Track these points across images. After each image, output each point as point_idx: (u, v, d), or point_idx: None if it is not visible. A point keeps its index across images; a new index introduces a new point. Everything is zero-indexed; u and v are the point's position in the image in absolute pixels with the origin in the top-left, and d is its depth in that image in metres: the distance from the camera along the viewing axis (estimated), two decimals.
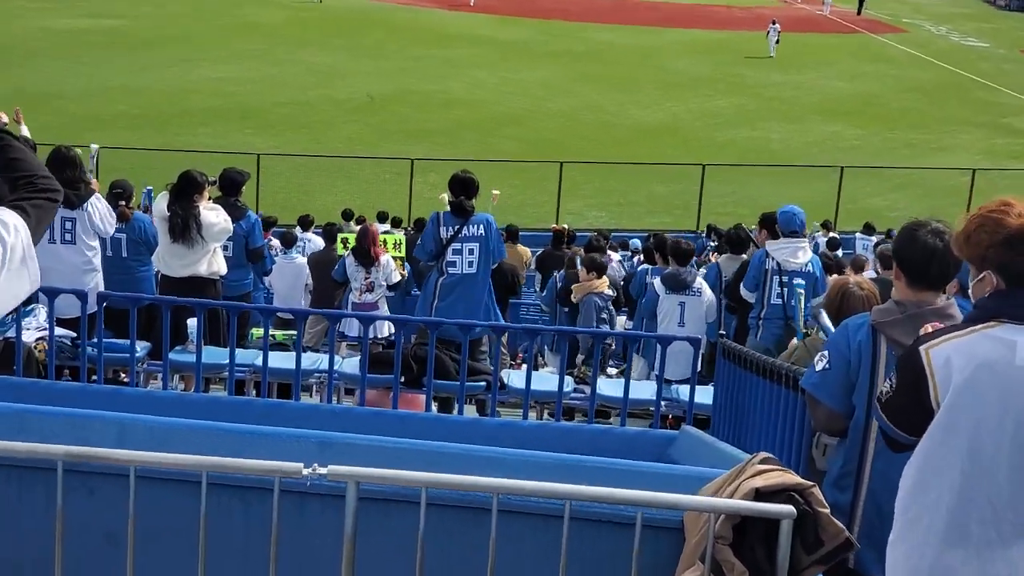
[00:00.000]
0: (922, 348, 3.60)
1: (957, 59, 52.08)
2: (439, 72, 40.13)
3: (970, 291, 3.84)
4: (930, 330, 3.77)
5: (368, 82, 37.55)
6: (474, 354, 9.26)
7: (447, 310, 9.59)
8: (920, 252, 4.28)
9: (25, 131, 11.80)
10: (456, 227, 9.72)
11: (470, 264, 9.80)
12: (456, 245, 9.77)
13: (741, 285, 9.64)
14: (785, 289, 9.22)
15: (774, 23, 48.68)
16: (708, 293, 10.86)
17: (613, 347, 12.38)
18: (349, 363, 8.81)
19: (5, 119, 12.11)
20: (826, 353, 4.49)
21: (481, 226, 9.80)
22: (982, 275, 3.67)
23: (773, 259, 9.50)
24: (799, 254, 9.66)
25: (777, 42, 47.32)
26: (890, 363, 4.30)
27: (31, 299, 7.63)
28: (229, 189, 10.77)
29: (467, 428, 6.36)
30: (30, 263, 3.35)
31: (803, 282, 8.92)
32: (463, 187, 9.87)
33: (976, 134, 35.72)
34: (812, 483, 3.94)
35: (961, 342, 3.57)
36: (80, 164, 9.55)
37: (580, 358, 10.99)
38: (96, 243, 9.05)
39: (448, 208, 9.89)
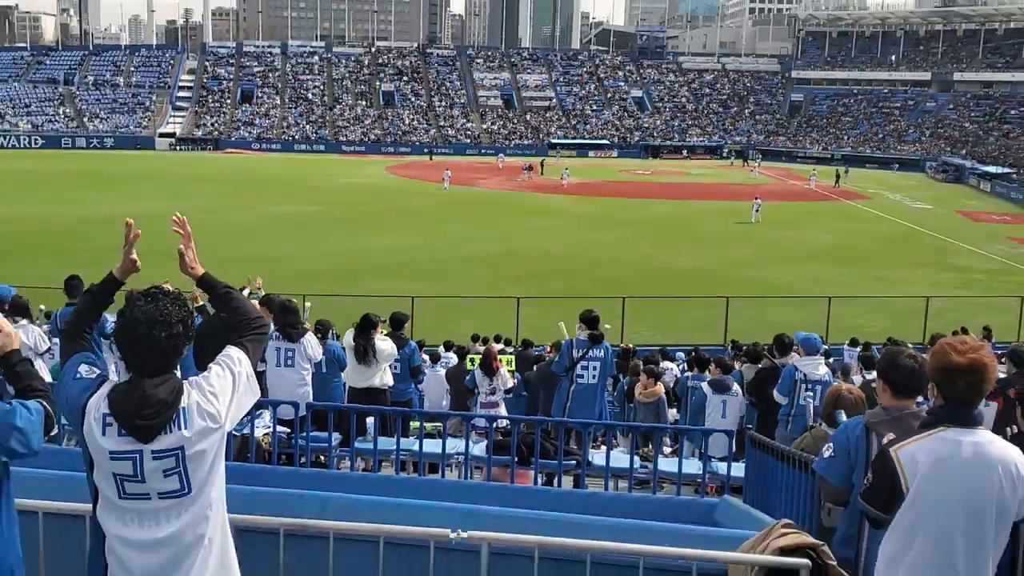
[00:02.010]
0: (891, 450, 3.58)
1: (910, 217, 51.45)
2: (538, 236, 40.61)
3: (929, 394, 3.81)
4: (892, 437, 3.73)
5: (486, 244, 38.20)
6: (577, 442, 9.36)
7: (576, 410, 9.91)
8: (901, 372, 4.23)
9: (259, 283, 12.48)
10: (584, 350, 10.02)
11: (593, 377, 10.07)
12: (584, 363, 10.05)
13: (775, 391, 9.43)
14: (809, 394, 9.09)
15: (757, 199, 48.15)
16: (740, 395, 10.81)
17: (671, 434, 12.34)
18: (478, 448, 8.79)
19: (260, 283, 12.66)
20: (831, 444, 4.45)
21: (603, 350, 10.16)
22: (930, 386, 3.67)
23: (801, 372, 9.36)
24: (820, 368, 9.55)
25: (758, 211, 46.69)
26: (871, 452, 4.24)
27: (259, 406, 7.77)
28: (396, 326, 11.00)
29: (566, 498, 6.29)
30: (252, 383, 3.41)
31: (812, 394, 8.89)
32: (594, 322, 10.21)
33: (927, 270, 35.18)
34: (822, 543, 3.86)
35: (921, 444, 3.55)
36: (297, 311, 9.81)
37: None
38: (309, 367, 9.21)
39: (579, 336, 10.14)
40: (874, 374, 13.62)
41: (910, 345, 11.67)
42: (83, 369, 3.30)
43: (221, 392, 3.23)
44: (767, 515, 4.67)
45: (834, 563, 3.70)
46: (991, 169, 70.21)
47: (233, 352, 3.39)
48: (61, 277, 10.98)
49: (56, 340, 10.21)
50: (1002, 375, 8.58)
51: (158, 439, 3.10)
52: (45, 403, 3.39)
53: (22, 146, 79.70)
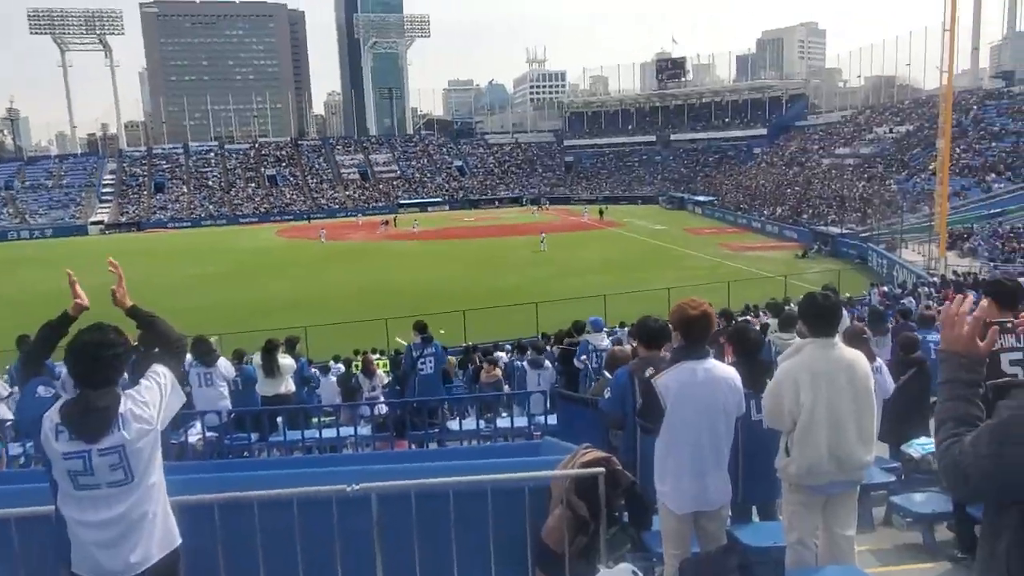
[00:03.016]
0: (653, 380, 3.73)
1: (654, 236, 54.06)
2: (399, 271, 40.19)
3: (674, 340, 4.01)
4: (652, 372, 3.92)
5: (357, 280, 37.42)
6: (435, 416, 9.19)
7: (422, 394, 9.56)
8: (648, 330, 4.41)
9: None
10: (421, 349, 9.70)
11: (431, 368, 9.76)
12: (423, 359, 9.72)
13: (575, 359, 9.64)
14: (584, 356, 9.31)
15: (542, 232, 49.39)
16: (551, 368, 10.95)
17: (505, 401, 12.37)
18: (364, 429, 8.61)
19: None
20: (609, 388, 4.58)
21: (435, 348, 9.83)
22: (675, 334, 3.87)
23: (592, 344, 9.58)
24: (603, 341, 9.81)
25: (543, 243, 47.28)
26: (637, 389, 4.41)
27: (192, 417, 7.34)
28: (290, 346, 10.64)
29: (433, 454, 6.23)
30: (177, 390, 3.24)
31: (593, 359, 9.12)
32: (424, 328, 9.93)
33: (667, 271, 37.02)
34: (611, 455, 3.97)
35: (671, 374, 3.72)
36: (208, 342, 9.24)
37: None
38: (224, 384, 8.72)
39: (415, 340, 9.90)
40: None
41: None
42: (41, 390, 3.06)
43: (151, 400, 3.04)
44: (574, 444, 4.79)
45: (620, 468, 3.83)
46: (701, 199, 74.64)
47: (158, 368, 3.20)
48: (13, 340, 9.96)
49: (15, 388, 9.28)
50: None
51: (102, 440, 2.89)
52: None
53: None
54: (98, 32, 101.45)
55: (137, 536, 2.98)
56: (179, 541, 3.16)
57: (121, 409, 2.95)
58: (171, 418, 3.19)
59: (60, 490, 2.97)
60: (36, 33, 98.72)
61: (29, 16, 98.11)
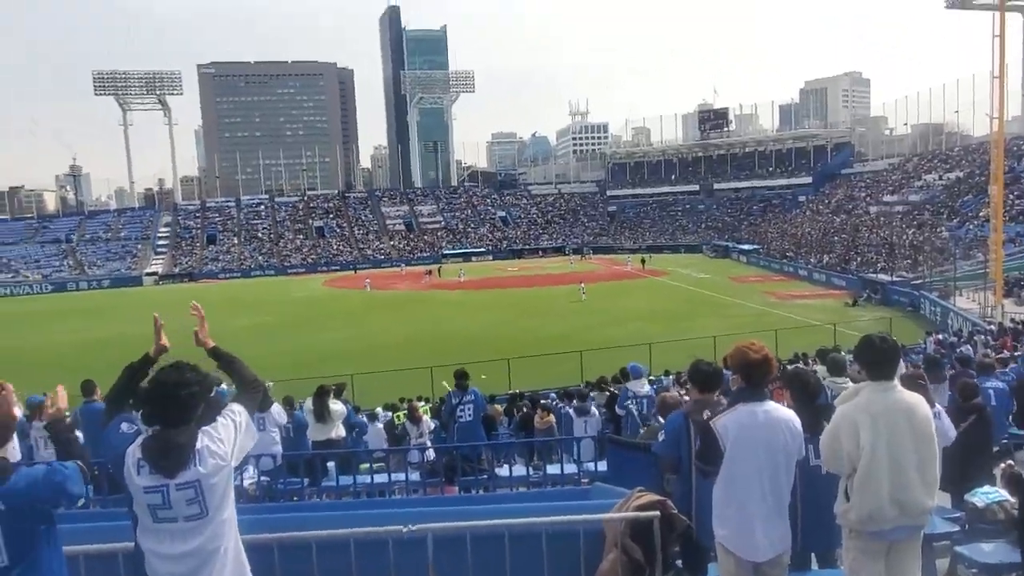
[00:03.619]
0: (711, 422, 3.72)
1: (698, 284, 53.59)
2: (444, 321, 40.45)
3: (732, 384, 4.00)
4: (709, 414, 3.90)
5: (403, 329, 37.74)
6: (480, 463, 9.17)
7: (461, 441, 9.51)
8: (702, 375, 4.41)
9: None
10: (460, 396, 9.71)
11: (470, 415, 9.73)
12: (462, 406, 9.73)
13: (616, 407, 9.57)
14: (630, 403, 9.24)
15: (581, 283, 49.06)
16: (597, 414, 10.89)
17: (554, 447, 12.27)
18: (413, 475, 8.64)
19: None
20: (663, 431, 4.56)
21: (473, 394, 9.80)
22: (735, 376, 3.85)
23: (631, 391, 9.51)
24: (644, 387, 9.72)
25: (584, 292, 46.98)
26: (693, 432, 4.38)
27: (246, 461, 7.47)
28: (338, 393, 10.74)
29: (484, 499, 6.24)
30: (251, 429, 3.38)
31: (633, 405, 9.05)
32: (462, 376, 9.94)
33: (712, 319, 36.51)
34: (666, 498, 3.96)
35: (729, 416, 3.70)
36: (266, 388, 9.44)
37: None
38: (277, 429, 8.87)
39: (454, 388, 9.93)
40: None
41: None
42: (124, 426, 3.22)
43: (226, 437, 3.17)
44: (626, 488, 4.77)
45: (676, 511, 3.81)
46: (745, 247, 73.97)
47: (235, 406, 3.34)
48: (74, 385, 10.30)
49: (78, 432, 9.57)
50: None
51: (180, 475, 3.03)
52: (80, 463, 3.26)
53: (35, 292, 74.90)
54: (158, 93, 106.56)
55: (210, 569, 3.08)
56: None
57: (198, 445, 3.09)
58: (244, 455, 3.32)
59: (140, 523, 3.09)
60: (100, 94, 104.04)
61: (94, 78, 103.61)
